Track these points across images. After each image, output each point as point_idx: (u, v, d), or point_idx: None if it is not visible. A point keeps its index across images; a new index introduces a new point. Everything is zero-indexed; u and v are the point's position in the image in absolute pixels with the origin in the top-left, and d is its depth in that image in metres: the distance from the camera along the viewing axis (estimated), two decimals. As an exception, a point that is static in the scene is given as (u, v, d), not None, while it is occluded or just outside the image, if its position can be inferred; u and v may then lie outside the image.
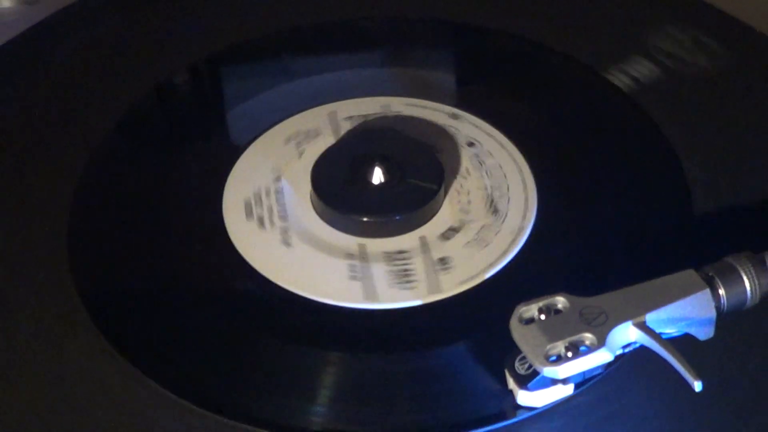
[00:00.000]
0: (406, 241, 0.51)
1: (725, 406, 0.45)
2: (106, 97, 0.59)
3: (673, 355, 0.43)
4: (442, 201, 0.53)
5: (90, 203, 0.54)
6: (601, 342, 0.43)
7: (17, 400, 0.45)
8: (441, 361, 0.47)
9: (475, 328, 0.48)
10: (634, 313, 0.44)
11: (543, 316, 0.44)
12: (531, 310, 0.44)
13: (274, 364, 0.46)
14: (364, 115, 0.57)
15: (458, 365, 0.47)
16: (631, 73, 0.58)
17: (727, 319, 0.45)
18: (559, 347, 0.43)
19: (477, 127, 0.57)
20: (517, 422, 0.45)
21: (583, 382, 0.45)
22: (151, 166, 0.56)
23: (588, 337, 0.43)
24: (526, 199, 0.53)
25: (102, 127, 0.57)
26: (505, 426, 0.45)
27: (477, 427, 0.44)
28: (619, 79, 0.58)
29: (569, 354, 0.43)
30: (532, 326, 0.44)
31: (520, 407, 0.45)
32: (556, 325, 0.44)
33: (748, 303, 0.45)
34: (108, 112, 0.58)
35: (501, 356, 0.45)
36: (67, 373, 0.46)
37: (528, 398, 0.44)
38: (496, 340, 0.45)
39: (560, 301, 0.44)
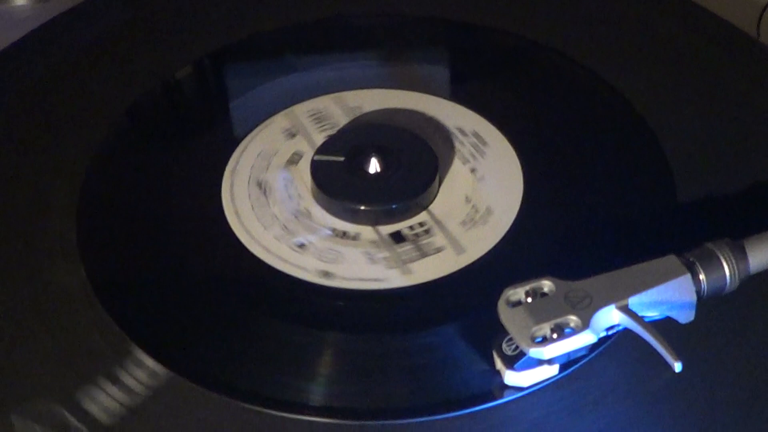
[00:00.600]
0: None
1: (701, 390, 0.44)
2: (114, 90, 0.59)
3: (655, 337, 0.43)
4: (437, 188, 0.53)
5: (98, 192, 0.54)
6: (585, 324, 0.43)
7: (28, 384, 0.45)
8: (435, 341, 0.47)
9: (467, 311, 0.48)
10: (618, 296, 0.44)
11: (530, 299, 0.44)
12: (518, 293, 0.44)
13: (326, 354, 0.47)
14: (360, 108, 0.58)
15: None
16: (617, 69, 0.58)
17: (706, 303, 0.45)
18: (545, 329, 0.43)
19: (468, 117, 0.57)
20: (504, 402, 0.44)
21: (567, 363, 0.45)
22: (155, 155, 0.56)
23: (573, 320, 0.43)
24: (514, 187, 0.53)
25: (109, 119, 0.57)
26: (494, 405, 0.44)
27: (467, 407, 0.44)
28: (607, 73, 0.58)
29: (554, 335, 0.43)
30: (519, 309, 0.44)
31: (507, 387, 0.44)
32: (542, 308, 0.43)
33: (728, 288, 0.45)
34: (115, 105, 0.58)
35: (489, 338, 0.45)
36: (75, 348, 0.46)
37: (515, 378, 0.44)
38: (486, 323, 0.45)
39: (546, 285, 0.44)
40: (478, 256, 0.50)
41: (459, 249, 0.50)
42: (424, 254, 0.50)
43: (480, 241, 0.51)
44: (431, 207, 0.52)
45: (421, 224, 0.52)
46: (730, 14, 0.61)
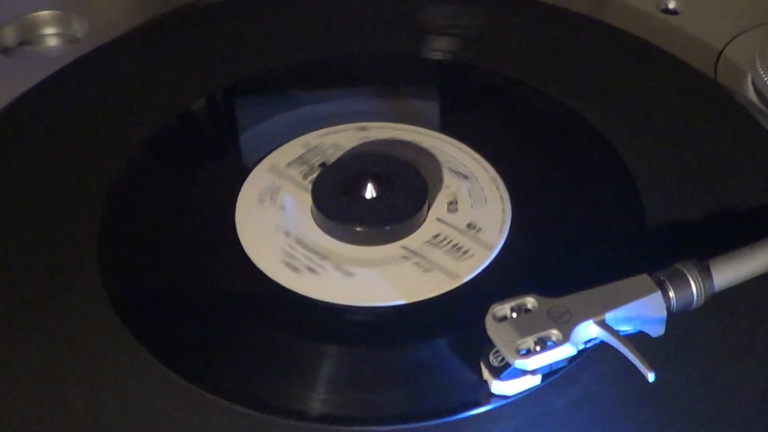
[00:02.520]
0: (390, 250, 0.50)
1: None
2: (134, 121, 0.57)
3: (629, 349, 0.41)
4: (427, 213, 0.51)
5: (119, 213, 0.52)
6: (566, 338, 0.41)
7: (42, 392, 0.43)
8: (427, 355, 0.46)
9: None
10: (595, 312, 0.42)
11: (515, 315, 0.42)
12: (504, 309, 0.42)
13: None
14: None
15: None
16: (594, 107, 0.56)
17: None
18: (529, 342, 0.41)
19: (458, 149, 0.55)
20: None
21: (549, 373, 0.43)
22: (172, 181, 0.55)
23: (554, 333, 0.41)
24: (502, 214, 0.51)
25: (129, 147, 0.55)
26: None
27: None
28: (584, 108, 0.56)
29: (538, 348, 0.41)
30: (505, 323, 0.42)
31: (493, 395, 0.43)
32: (526, 323, 0.42)
33: (695, 304, 0.44)
34: (135, 135, 0.56)
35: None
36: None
37: (501, 387, 0.43)
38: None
39: (530, 302, 0.43)
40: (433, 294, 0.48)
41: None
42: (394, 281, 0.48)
43: (472, 263, 0.49)
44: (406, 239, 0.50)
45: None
46: (691, 59, 0.60)
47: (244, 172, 0.54)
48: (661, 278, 0.43)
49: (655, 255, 0.47)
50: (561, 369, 0.43)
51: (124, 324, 0.45)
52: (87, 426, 0.42)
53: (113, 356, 0.44)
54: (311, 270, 0.48)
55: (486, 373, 0.43)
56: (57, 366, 0.44)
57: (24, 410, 0.42)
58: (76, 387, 0.43)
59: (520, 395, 0.42)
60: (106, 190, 0.52)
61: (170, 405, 0.42)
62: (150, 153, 0.56)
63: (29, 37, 0.67)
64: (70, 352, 0.44)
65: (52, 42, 0.68)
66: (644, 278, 0.43)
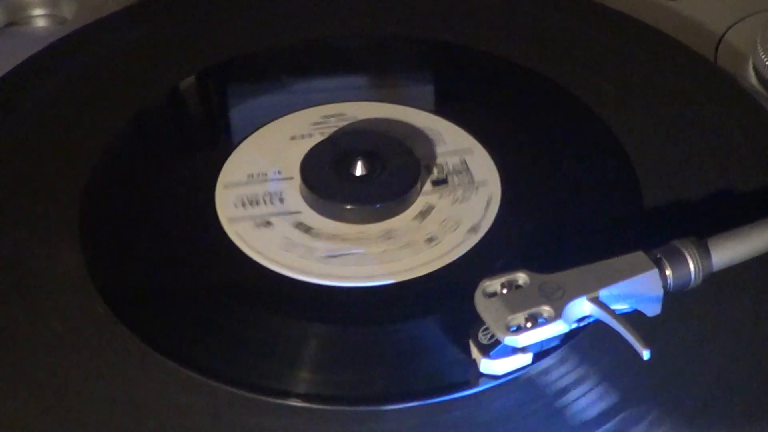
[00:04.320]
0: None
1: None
2: (119, 99, 0.55)
3: (624, 325, 0.39)
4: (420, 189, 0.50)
5: (101, 193, 0.50)
6: (558, 314, 0.40)
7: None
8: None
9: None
10: (589, 288, 0.40)
11: (505, 291, 0.41)
12: (494, 284, 0.41)
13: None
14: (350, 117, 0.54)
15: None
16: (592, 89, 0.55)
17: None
18: (519, 318, 0.40)
19: (449, 129, 0.53)
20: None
21: (540, 352, 0.41)
22: (156, 159, 0.53)
23: (546, 310, 0.40)
24: (491, 191, 0.50)
25: (114, 126, 0.54)
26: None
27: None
28: (579, 89, 0.55)
29: (528, 324, 0.40)
30: (495, 299, 0.40)
31: (482, 375, 0.41)
32: (517, 299, 0.40)
33: (692, 284, 0.42)
34: (120, 113, 0.54)
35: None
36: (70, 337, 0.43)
37: (489, 366, 0.41)
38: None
39: (521, 278, 0.41)
40: (420, 274, 0.46)
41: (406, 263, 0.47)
42: (381, 261, 0.46)
43: (427, 260, 0.47)
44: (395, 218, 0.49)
45: (386, 231, 0.48)
46: (691, 44, 0.59)
47: (229, 150, 0.52)
48: (658, 255, 0.42)
49: (654, 235, 0.45)
50: (553, 349, 0.41)
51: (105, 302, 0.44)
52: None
53: (87, 331, 0.43)
54: (298, 246, 0.47)
55: (475, 352, 0.41)
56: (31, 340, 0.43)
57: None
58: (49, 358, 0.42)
59: (509, 375, 0.41)
60: (89, 169, 0.51)
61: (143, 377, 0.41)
62: (135, 131, 0.54)
63: (18, 18, 0.66)
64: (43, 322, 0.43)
65: (41, 23, 0.67)
66: (640, 255, 0.41)
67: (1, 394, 0.41)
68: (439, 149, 0.52)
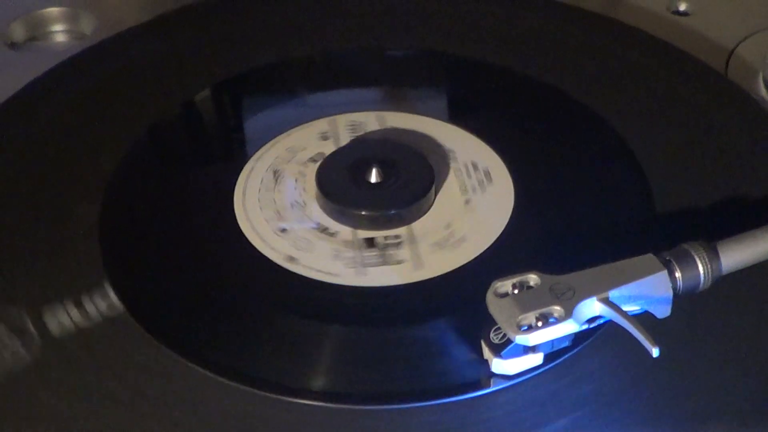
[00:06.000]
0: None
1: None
2: (137, 111, 0.56)
3: (633, 324, 0.40)
4: (434, 198, 0.51)
5: (120, 201, 0.51)
6: (568, 314, 0.40)
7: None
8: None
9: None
10: (599, 289, 0.41)
11: (516, 291, 0.41)
12: (506, 285, 0.42)
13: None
14: (363, 127, 0.55)
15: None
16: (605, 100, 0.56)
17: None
18: (530, 317, 0.40)
19: (484, 153, 0.54)
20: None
21: (552, 353, 0.42)
22: (172, 170, 0.55)
23: (557, 310, 0.40)
24: (505, 196, 0.51)
25: (131, 136, 0.55)
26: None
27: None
28: (594, 101, 0.56)
29: (539, 324, 0.40)
30: (506, 299, 0.41)
31: (494, 375, 0.42)
32: (528, 298, 0.41)
33: (701, 286, 0.43)
34: (137, 125, 0.55)
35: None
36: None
37: (501, 366, 0.42)
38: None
39: (532, 279, 0.42)
40: (433, 275, 0.47)
41: (418, 265, 0.47)
42: (384, 263, 0.47)
43: (441, 263, 0.47)
44: (414, 224, 0.49)
45: (396, 236, 0.49)
46: (704, 56, 0.60)
47: (245, 159, 0.53)
48: (668, 258, 0.42)
49: (664, 239, 0.45)
50: (563, 349, 0.42)
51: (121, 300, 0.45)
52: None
53: (109, 331, 0.44)
54: (315, 248, 0.48)
55: (486, 352, 0.42)
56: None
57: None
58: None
59: (521, 375, 0.42)
60: (109, 173, 0.52)
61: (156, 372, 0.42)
62: (153, 141, 0.56)
63: (37, 33, 0.67)
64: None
65: (60, 38, 0.68)
66: (650, 257, 0.42)
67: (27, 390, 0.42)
68: (453, 156, 0.53)
